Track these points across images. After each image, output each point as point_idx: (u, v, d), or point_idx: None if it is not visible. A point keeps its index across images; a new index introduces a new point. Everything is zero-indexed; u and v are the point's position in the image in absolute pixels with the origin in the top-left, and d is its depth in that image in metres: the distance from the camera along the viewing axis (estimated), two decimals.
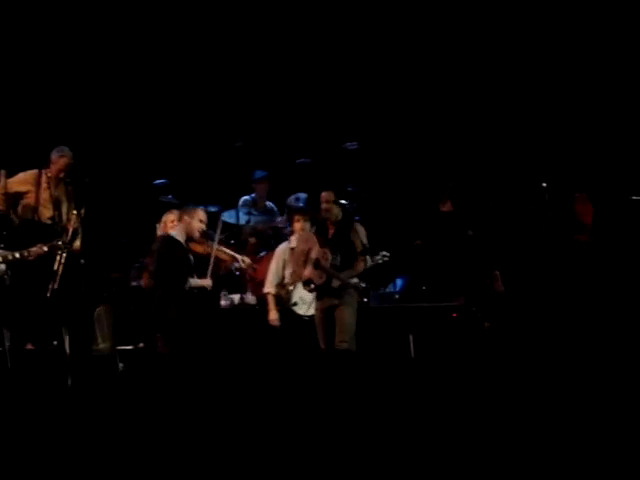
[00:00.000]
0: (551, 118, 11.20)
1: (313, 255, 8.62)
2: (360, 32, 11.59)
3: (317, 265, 8.57)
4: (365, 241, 8.73)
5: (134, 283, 10.02)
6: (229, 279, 10.27)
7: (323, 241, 8.65)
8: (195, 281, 8.46)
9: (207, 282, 8.56)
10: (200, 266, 8.64)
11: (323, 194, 8.81)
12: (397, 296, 10.50)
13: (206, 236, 8.83)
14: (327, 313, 8.59)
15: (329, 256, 8.57)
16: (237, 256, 9.19)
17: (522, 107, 11.33)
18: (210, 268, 8.61)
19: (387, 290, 10.58)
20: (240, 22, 11.71)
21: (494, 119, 11.47)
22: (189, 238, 8.48)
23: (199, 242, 8.67)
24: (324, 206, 8.76)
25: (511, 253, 9.79)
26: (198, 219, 8.49)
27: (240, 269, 9.61)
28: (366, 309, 9.42)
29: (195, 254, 8.61)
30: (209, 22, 11.67)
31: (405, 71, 11.69)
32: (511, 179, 10.72)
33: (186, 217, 8.48)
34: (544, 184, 9.96)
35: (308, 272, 8.64)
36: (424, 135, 11.56)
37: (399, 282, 10.61)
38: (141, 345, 9.70)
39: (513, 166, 10.95)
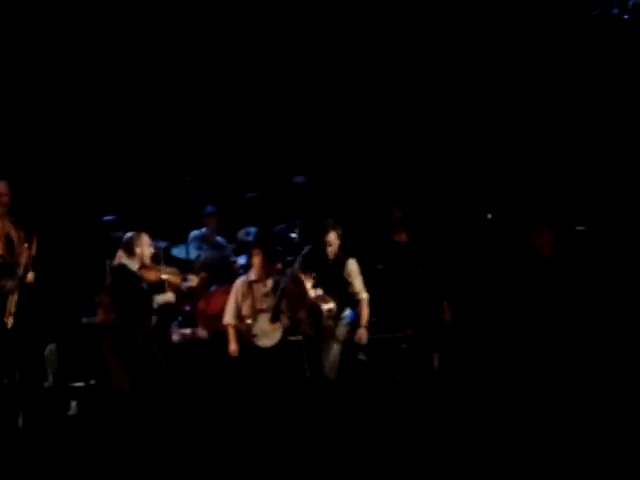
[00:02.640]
0: (498, 150, 11.39)
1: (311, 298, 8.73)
2: (307, 71, 11.77)
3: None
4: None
5: (85, 320, 10.01)
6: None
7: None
8: (160, 298, 8.56)
9: (170, 297, 8.65)
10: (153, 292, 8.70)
11: (332, 234, 8.70)
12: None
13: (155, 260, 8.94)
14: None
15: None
16: (185, 276, 9.32)
17: (472, 137, 11.55)
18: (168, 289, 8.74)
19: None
20: (183, 58, 11.80)
21: (442, 151, 11.68)
22: (141, 265, 8.57)
23: (150, 268, 8.73)
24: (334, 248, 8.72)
25: (458, 284, 9.95)
26: (147, 245, 8.61)
27: (190, 288, 9.74)
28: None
29: (147, 280, 8.68)
30: (148, 61, 11.75)
31: (350, 104, 11.88)
32: (457, 210, 10.92)
33: (136, 246, 8.55)
34: (489, 215, 10.17)
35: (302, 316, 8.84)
36: (374, 167, 11.73)
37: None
38: (92, 382, 9.69)
39: (461, 197, 11.14)
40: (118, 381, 8.67)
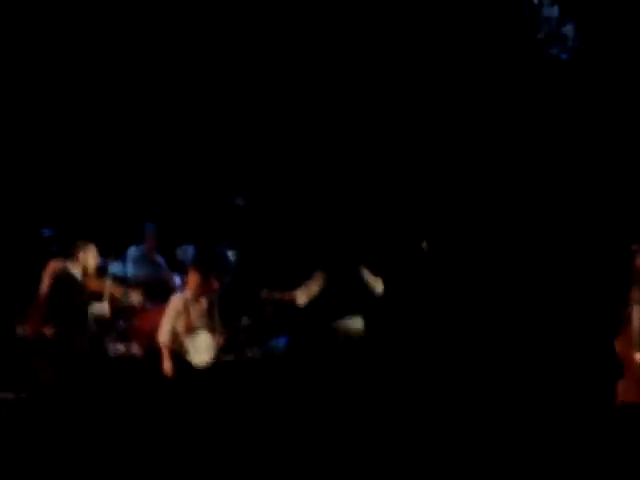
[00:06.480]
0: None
1: None
2: (250, 93, 12.05)
3: None
4: None
5: (19, 332, 10.10)
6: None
7: None
8: (96, 308, 8.99)
9: (105, 309, 9.02)
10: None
11: None
12: (281, 349, 10.78)
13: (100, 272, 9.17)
14: None
15: None
16: (128, 292, 9.54)
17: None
18: (106, 299, 8.93)
19: (272, 343, 10.86)
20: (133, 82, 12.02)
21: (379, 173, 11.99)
22: (84, 274, 8.77)
23: (93, 278, 8.94)
24: None
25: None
26: (92, 255, 8.80)
27: (130, 306, 9.93)
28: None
29: (88, 289, 8.91)
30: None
31: (292, 128, 12.16)
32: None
33: (82, 253, 8.75)
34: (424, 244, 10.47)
35: None
36: (312, 191, 12.01)
37: (282, 339, 10.88)
38: (23, 395, 9.78)
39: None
40: (48, 390, 8.82)
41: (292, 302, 9.13)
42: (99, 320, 9.27)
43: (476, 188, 11.43)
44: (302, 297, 9.01)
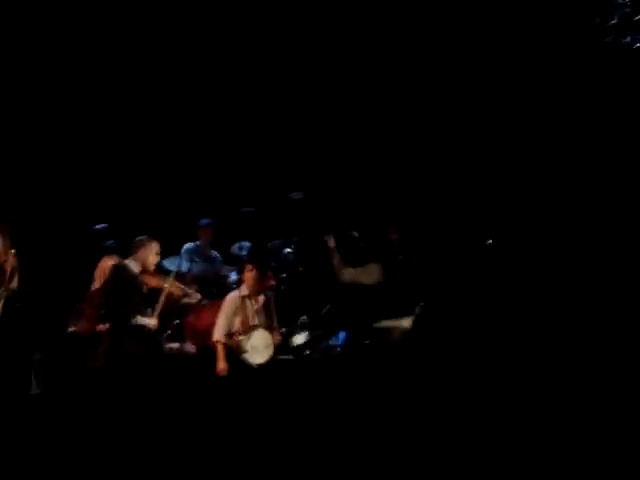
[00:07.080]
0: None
1: None
2: (307, 87, 11.89)
3: None
4: None
5: (71, 329, 9.99)
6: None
7: None
8: (141, 319, 8.64)
9: (153, 322, 8.72)
10: (150, 298, 8.94)
11: None
12: (339, 349, 10.60)
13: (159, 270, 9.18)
14: None
15: None
16: (188, 291, 9.43)
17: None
18: (160, 304, 8.82)
19: (330, 342, 10.67)
20: (178, 71, 11.92)
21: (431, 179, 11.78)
22: (143, 270, 8.64)
23: (153, 275, 8.82)
24: None
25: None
26: (154, 252, 8.69)
27: (187, 304, 9.79)
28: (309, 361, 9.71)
29: (147, 285, 8.84)
30: (144, 71, 11.86)
31: (349, 121, 11.97)
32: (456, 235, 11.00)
33: (142, 249, 8.64)
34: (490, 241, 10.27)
35: None
36: (373, 185, 11.80)
37: (342, 335, 10.70)
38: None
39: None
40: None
41: (336, 273, 8.80)
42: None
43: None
44: (347, 275, 8.70)
